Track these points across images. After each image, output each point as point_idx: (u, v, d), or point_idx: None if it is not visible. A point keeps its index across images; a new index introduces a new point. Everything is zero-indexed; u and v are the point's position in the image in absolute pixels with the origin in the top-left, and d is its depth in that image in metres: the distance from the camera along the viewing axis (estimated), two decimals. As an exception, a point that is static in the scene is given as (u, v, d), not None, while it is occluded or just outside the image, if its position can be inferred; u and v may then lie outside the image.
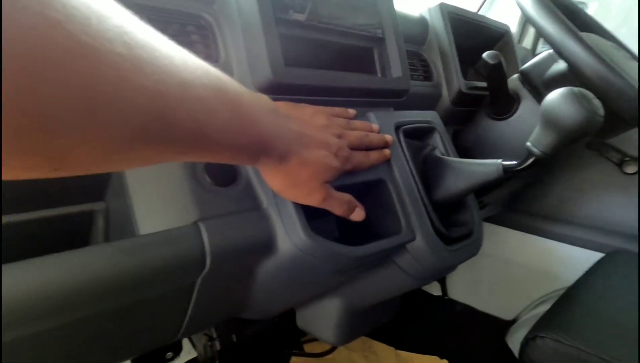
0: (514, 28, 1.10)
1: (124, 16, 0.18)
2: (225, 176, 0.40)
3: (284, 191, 0.35)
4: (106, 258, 0.30)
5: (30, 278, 0.27)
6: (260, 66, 0.40)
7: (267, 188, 0.39)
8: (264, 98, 0.31)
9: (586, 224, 0.97)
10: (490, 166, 0.45)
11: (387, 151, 0.45)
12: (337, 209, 0.38)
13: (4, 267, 0.26)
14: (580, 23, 0.73)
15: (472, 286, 1.27)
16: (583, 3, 1.13)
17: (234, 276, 0.42)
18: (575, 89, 0.37)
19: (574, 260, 0.99)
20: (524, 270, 1.11)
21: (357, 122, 0.45)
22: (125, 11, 0.18)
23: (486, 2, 1.06)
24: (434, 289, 1.34)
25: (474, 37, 0.79)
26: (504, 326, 1.13)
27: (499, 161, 0.45)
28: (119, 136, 0.18)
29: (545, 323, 0.60)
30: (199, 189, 0.37)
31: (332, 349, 0.96)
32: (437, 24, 0.70)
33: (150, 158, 0.21)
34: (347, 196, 0.38)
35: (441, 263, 0.48)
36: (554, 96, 0.38)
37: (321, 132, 0.36)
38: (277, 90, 0.42)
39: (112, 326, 0.37)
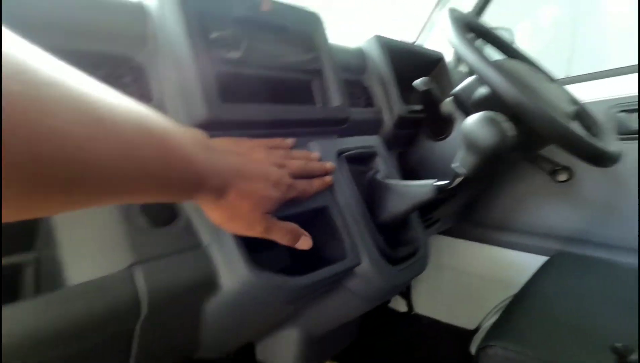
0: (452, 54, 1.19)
1: (27, 55, 0.17)
2: (163, 216, 0.39)
3: (225, 224, 0.35)
4: (32, 313, 0.29)
5: None
6: (195, 104, 0.41)
7: (209, 225, 0.39)
8: (198, 133, 0.31)
9: (529, 231, 1.04)
10: (424, 187, 0.48)
11: (328, 178, 0.46)
12: (281, 239, 0.38)
13: None
14: (505, 50, 0.81)
15: (436, 299, 1.30)
16: (509, 29, 1.25)
17: (178, 317, 0.41)
18: (488, 113, 0.41)
19: (523, 265, 1.04)
20: (481, 279, 1.15)
21: (297, 152, 0.46)
22: (31, 50, 0.17)
23: (423, 32, 1.14)
24: (400, 306, 1.35)
25: (412, 64, 0.85)
26: (468, 335, 1.16)
27: (432, 182, 0.47)
28: (16, 183, 0.16)
29: (494, 332, 0.62)
30: (134, 231, 0.36)
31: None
32: (375, 54, 0.75)
33: (65, 204, 0.20)
34: (290, 225, 0.38)
35: (389, 283, 0.49)
36: (471, 121, 0.41)
37: (260, 164, 0.36)
38: (215, 126, 0.42)
39: None
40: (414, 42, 1.16)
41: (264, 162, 0.37)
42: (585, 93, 0.93)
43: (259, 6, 0.49)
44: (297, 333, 0.59)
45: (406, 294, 1.33)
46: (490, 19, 1.24)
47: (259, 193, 0.34)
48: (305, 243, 0.40)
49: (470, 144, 0.41)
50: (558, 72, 0.97)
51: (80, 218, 0.36)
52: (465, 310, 1.22)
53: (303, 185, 0.41)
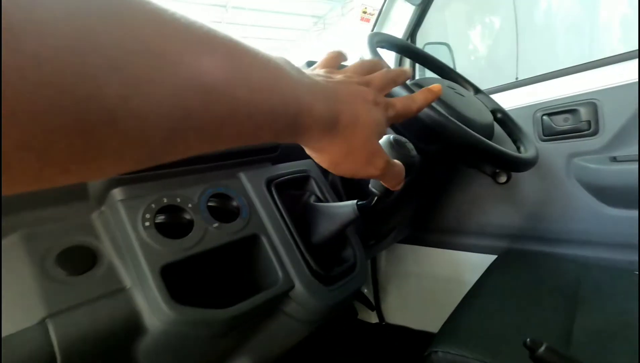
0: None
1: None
2: (81, 264, 0.39)
3: (342, 164, 0.28)
4: None
5: None
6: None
7: (131, 267, 0.40)
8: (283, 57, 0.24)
9: (480, 232, 1.09)
10: (347, 207, 0.50)
11: (436, 87, 0.35)
12: (394, 179, 0.31)
13: None
14: (429, 65, 0.86)
15: (404, 307, 1.32)
16: (446, 44, 1.33)
17: (106, 364, 0.40)
18: (392, 137, 0.44)
19: (479, 265, 1.09)
20: (445, 282, 1.19)
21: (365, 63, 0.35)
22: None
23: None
24: (372, 317, 1.37)
25: None
26: (431, 337, 1.19)
27: (354, 202, 0.50)
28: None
29: (440, 337, 0.65)
30: (48, 283, 0.36)
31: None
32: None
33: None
34: (400, 164, 0.32)
35: (325, 303, 0.51)
36: (383, 140, 0.44)
37: (347, 84, 0.28)
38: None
39: None
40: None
41: (347, 82, 0.29)
42: (515, 100, 1.00)
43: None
44: (247, 362, 0.59)
45: (376, 304, 1.35)
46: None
47: (369, 117, 0.27)
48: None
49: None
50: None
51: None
52: (432, 314, 1.25)
53: (403, 101, 0.32)
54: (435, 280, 1.23)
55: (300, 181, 0.61)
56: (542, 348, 0.41)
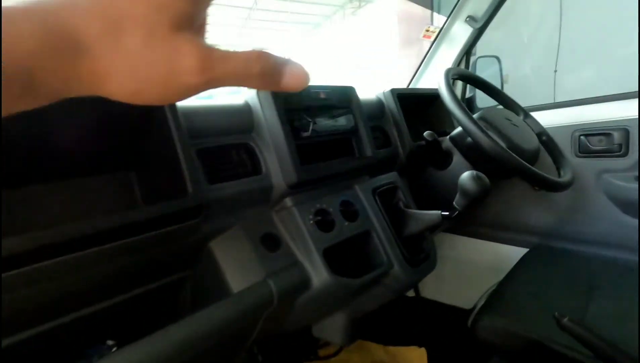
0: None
1: None
2: (272, 245, 0.63)
3: (140, 90, 0.18)
4: (225, 310, 0.53)
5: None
6: (289, 170, 0.65)
7: (302, 248, 0.63)
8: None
9: (514, 228, 1.29)
10: (434, 215, 0.72)
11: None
12: (251, 78, 0.19)
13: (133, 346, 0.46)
14: (488, 91, 1.04)
15: (438, 285, 1.55)
16: (496, 57, 1.47)
17: (283, 309, 0.65)
18: (474, 172, 0.65)
19: (509, 255, 1.29)
20: (475, 267, 1.40)
21: None
22: None
23: (416, 76, 1.37)
24: (409, 291, 1.61)
25: (415, 102, 1.08)
26: (466, 313, 1.42)
27: (439, 212, 0.72)
28: None
29: (485, 309, 0.87)
30: (259, 256, 0.60)
31: (337, 352, 1.20)
32: (390, 103, 0.98)
33: None
34: (255, 52, 0.19)
35: (411, 280, 0.74)
36: (464, 176, 0.65)
37: None
38: (301, 185, 0.66)
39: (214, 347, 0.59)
40: (409, 84, 1.39)
41: None
42: (557, 118, 1.17)
43: (318, 95, 0.72)
44: (345, 316, 0.84)
45: (414, 282, 1.59)
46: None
47: (139, 7, 0.16)
48: (297, 77, 0.20)
49: (463, 191, 0.65)
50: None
51: (231, 247, 0.60)
52: (462, 293, 1.48)
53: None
54: (469, 265, 1.45)
55: (391, 190, 0.83)
56: (566, 319, 0.63)
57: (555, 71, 3.28)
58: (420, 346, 1.30)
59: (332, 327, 0.86)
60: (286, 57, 0.20)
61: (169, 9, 0.17)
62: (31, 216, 0.49)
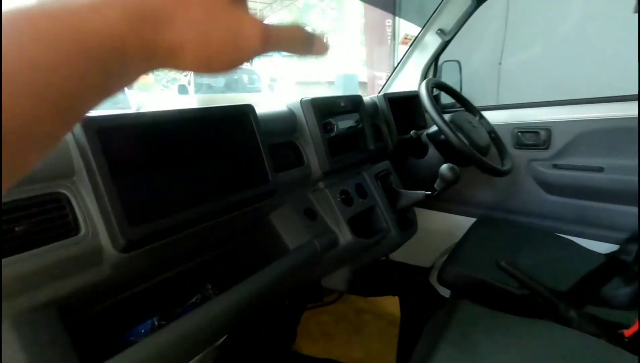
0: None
1: None
2: (311, 216, 0.87)
3: (210, 58, 0.19)
4: (291, 259, 0.77)
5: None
6: (323, 162, 0.88)
7: (332, 219, 0.88)
8: None
9: (466, 202, 1.64)
10: (419, 194, 1.01)
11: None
12: (296, 46, 0.22)
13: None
14: (455, 96, 1.34)
15: (404, 249, 1.88)
16: (457, 61, 1.77)
17: (313, 261, 0.90)
18: (451, 165, 0.93)
19: (462, 223, 1.64)
20: (435, 234, 1.75)
21: None
22: None
23: (393, 75, 1.64)
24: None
25: (399, 102, 1.35)
26: (426, 271, 1.78)
27: (423, 192, 1.00)
28: None
29: (448, 261, 1.19)
30: (304, 223, 0.84)
31: (327, 304, 1.49)
32: (382, 105, 1.23)
33: None
34: (296, 26, 0.22)
35: (401, 241, 1.03)
36: (444, 167, 0.93)
37: None
38: (331, 173, 0.90)
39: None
40: (387, 81, 1.65)
41: None
42: (503, 117, 1.50)
43: (340, 104, 0.96)
44: (348, 269, 1.11)
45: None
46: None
47: None
48: (321, 47, 0.24)
49: (442, 178, 0.94)
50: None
51: (282, 219, 0.83)
52: (423, 255, 1.83)
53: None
54: (429, 233, 1.79)
55: (386, 175, 1.10)
56: (503, 262, 0.95)
57: (501, 63, 3.73)
58: (393, 296, 1.64)
59: (339, 278, 1.14)
60: (315, 31, 0.23)
61: None
62: (150, 199, 0.68)
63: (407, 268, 1.87)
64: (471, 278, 1.08)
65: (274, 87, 8.69)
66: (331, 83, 9.14)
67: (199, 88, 6.99)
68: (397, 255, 1.90)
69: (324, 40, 0.24)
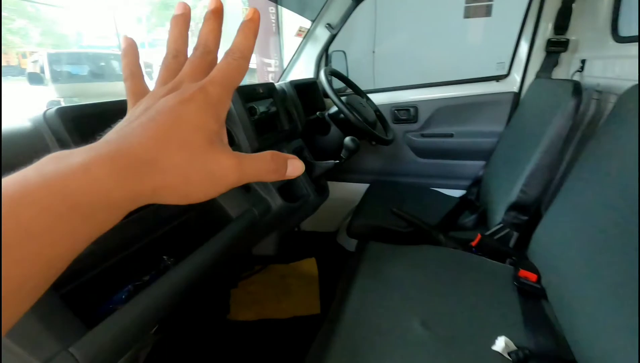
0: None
1: None
2: (247, 188, 1.01)
3: (188, 194, 0.22)
4: (236, 226, 0.91)
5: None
6: (252, 141, 1.02)
7: (265, 190, 1.04)
8: (48, 160, 0.18)
9: (359, 171, 1.96)
10: (330, 163, 1.23)
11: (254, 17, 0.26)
12: (267, 175, 0.25)
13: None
14: (345, 81, 1.60)
15: (313, 219, 2.15)
16: (343, 51, 2.05)
17: (254, 226, 1.05)
18: (353, 137, 1.17)
19: (358, 190, 1.97)
20: (337, 201, 2.03)
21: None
22: None
23: (290, 64, 1.83)
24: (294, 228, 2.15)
25: (305, 89, 1.55)
26: (334, 234, 2.07)
27: (332, 161, 1.23)
28: None
29: (354, 216, 1.46)
30: (242, 196, 0.98)
31: (254, 273, 1.65)
32: (290, 91, 1.41)
33: None
34: (268, 153, 0.25)
35: (319, 203, 1.25)
36: (347, 139, 1.17)
37: (153, 115, 0.22)
38: (259, 150, 1.05)
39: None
40: (285, 70, 1.85)
41: (154, 111, 0.22)
42: (383, 98, 1.84)
43: (259, 90, 1.10)
44: (276, 235, 1.29)
45: (296, 219, 2.13)
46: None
47: (189, 135, 0.21)
48: (297, 168, 0.27)
49: (347, 148, 1.18)
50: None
51: (223, 194, 0.95)
52: (330, 221, 2.11)
53: (222, 69, 0.24)
54: (330, 200, 2.07)
55: (301, 149, 1.30)
56: (395, 208, 1.26)
57: (374, 52, 4.28)
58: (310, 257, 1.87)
59: (269, 244, 1.30)
60: (289, 155, 0.26)
61: (204, 130, 0.22)
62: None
63: (318, 235, 2.13)
64: (372, 226, 1.38)
65: (151, 74, 7.98)
66: (216, 70, 8.77)
67: (56, 77, 5.97)
68: (308, 225, 2.15)
69: (297, 163, 0.27)
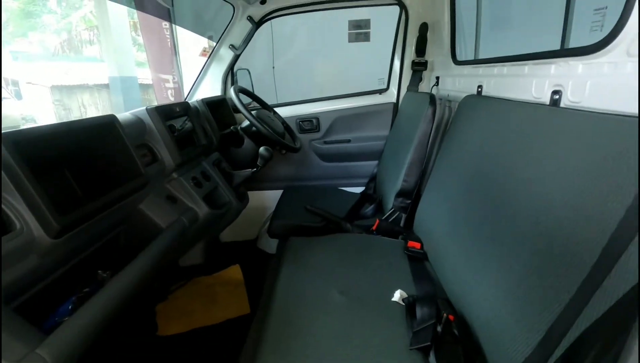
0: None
1: None
2: (173, 200, 1.10)
3: None
4: (167, 235, 0.99)
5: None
6: (174, 156, 1.11)
7: (190, 200, 1.14)
8: None
9: (272, 179, 2.13)
10: (247, 171, 1.38)
11: None
12: None
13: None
14: (252, 97, 1.76)
15: (232, 229, 2.23)
16: (247, 69, 2.20)
17: (184, 235, 1.13)
18: (267, 147, 1.34)
19: (273, 197, 2.12)
20: (255, 209, 2.17)
21: None
22: None
23: (196, 83, 1.93)
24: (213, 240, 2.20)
25: (215, 106, 1.66)
26: (254, 241, 2.19)
27: (249, 169, 1.37)
28: None
29: (273, 218, 1.62)
30: (169, 208, 1.07)
31: (180, 286, 1.67)
32: (202, 108, 1.51)
33: None
34: None
35: (241, 209, 1.37)
36: (262, 149, 1.33)
37: None
38: (182, 164, 1.14)
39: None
40: (191, 88, 1.94)
41: None
42: (288, 111, 2.04)
43: (175, 109, 1.19)
44: (202, 244, 1.37)
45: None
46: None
47: None
48: None
49: (262, 157, 1.34)
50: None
51: (150, 206, 1.02)
52: (249, 229, 2.22)
53: None
54: (248, 209, 2.20)
55: (219, 161, 1.41)
56: (309, 206, 1.46)
57: (273, 67, 4.52)
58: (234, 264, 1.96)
59: (195, 253, 1.38)
60: None
61: None
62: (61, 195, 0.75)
63: (239, 244, 2.22)
64: (290, 224, 1.55)
65: (20, 93, 6.94)
66: (102, 86, 8.08)
67: None
68: (229, 236, 2.22)
69: None
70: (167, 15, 3.71)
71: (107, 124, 0.86)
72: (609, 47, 0.67)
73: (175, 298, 1.69)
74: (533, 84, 0.91)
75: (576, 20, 0.80)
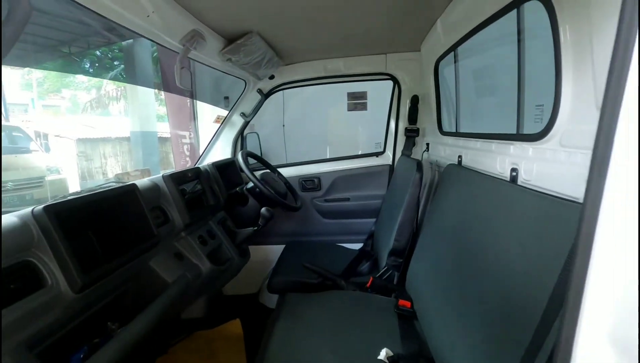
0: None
1: None
2: (180, 257, 1.21)
3: None
4: (174, 289, 1.09)
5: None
6: (184, 217, 1.25)
7: (195, 256, 1.25)
8: None
9: (278, 234, 2.24)
10: (250, 230, 1.50)
11: None
12: None
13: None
14: (259, 161, 1.93)
15: (235, 283, 2.29)
16: (257, 133, 2.42)
17: (188, 289, 1.23)
18: (268, 208, 1.47)
19: (275, 251, 2.21)
20: (257, 263, 2.25)
21: None
22: None
23: (210, 144, 2.13)
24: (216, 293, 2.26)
25: (224, 168, 1.83)
26: (256, 295, 2.24)
27: (252, 228, 1.49)
28: None
29: (273, 274, 1.70)
30: (176, 264, 1.18)
31: (181, 340, 1.72)
32: (212, 171, 1.68)
33: None
34: None
35: (242, 265, 1.47)
36: (263, 210, 1.46)
37: None
38: (190, 224, 1.27)
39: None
40: (204, 151, 2.14)
41: None
42: (292, 171, 2.20)
43: (188, 175, 1.35)
44: (204, 298, 1.46)
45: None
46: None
47: None
48: None
49: (263, 216, 1.46)
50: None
51: (160, 263, 1.14)
52: (251, 283, 2.29)
53: None
54: (251, 263, 2.28)
55: (224, 220, 1.54)
56: (307, 264, 1.55)
57: (284, 126, 4.84)
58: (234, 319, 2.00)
59: (197, 307, 1.45)
60: None
61: None
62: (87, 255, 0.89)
63: (241, 298, 2.27)
64: (289, 280, 1.63)
65: (49, 146, 7.43)
66: (123, 139, 8.60)
67: None
68: (231, 290, 2.28)
69: None
70: (190, 93, 4.22)
71: (128, 192, 1.01)
72: (547, 137, 0.80)
73: (175, 351, 1.73)
74: (497, 160, 1.04)
75: (526, 110, 0.94)
